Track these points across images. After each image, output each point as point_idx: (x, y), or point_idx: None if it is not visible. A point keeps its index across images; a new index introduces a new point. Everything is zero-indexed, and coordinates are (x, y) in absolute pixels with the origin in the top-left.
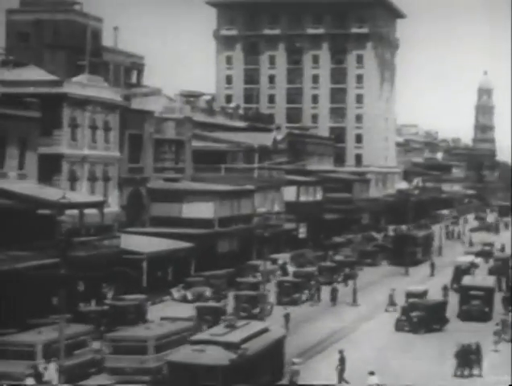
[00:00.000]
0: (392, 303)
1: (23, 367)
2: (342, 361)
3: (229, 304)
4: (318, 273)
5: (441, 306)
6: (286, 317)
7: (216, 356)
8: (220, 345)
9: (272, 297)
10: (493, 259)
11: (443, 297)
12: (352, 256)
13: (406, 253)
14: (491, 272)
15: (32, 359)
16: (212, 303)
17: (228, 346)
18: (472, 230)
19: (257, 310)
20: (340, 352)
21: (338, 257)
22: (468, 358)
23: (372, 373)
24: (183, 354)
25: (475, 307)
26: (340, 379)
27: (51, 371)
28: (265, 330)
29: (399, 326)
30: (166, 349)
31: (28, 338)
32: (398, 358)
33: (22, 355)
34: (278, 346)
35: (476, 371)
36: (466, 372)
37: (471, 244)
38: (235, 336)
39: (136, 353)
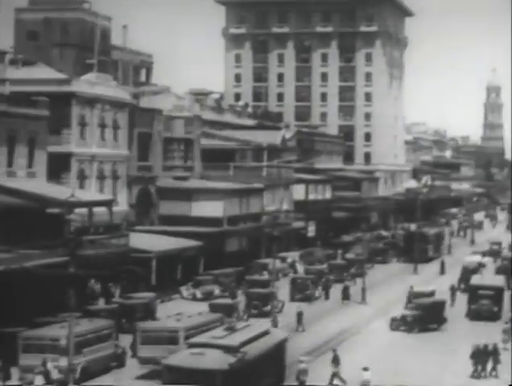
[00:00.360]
0: (410, 301)
1: (47, 360)
2: (336, 360)
3: (239, 302)
4: (328, 270)
5: (439, 306)
6: (299, 315)
7: (214, 360)
8: (219, 348)
9: (285, 295)
10: (500, 258)
11: (451, 297)
12: (362, 254)
13: (416, 251)
14: (498, 271)
15: (56, 353)
16: (225, 300)
17: (227, 349)
18: (460, 228)
19: (268, 308)
20: (334, 351)
21: (349, 255)
22: (485, 359)
23: (366, 369)
24: (181, 357)
25: (484, 307)
26: (333, 378)
27: (51, 370)
28: (266, 333)
29: (394, 326)
30: None
31: (52, 332)
32: (404, 357)
33: (46, 349)
34: (279, 349)
35: (493, 372)
36: (483, 373)
37: (473, 241)
38: (235, 339)
39: (167, 343)
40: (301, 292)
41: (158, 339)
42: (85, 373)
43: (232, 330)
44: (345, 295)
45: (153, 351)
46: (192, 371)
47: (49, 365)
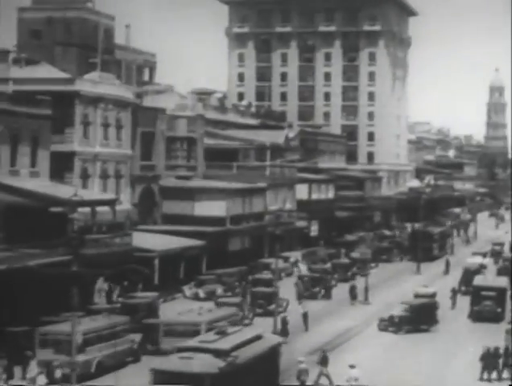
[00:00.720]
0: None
1: (63, 356)
2: (324, 361)
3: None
4: (332, 270)
5: (429, 307)
6: (305, 316)
7: (204, 364)
8: (209, 352)
9: (288, 294)
10: (501, 259)
11: (452, 299)
12: (367, 253)
13: (421, 250)
14: (500, 272)
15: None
16: (231, 299)
17: (217, 353)
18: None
19: (272, 307)
20: (323, 352)
21: (355, 254)
22: (495, 361)
23: (352, 366)
24: (169, 361)
25: (487, 308)
26: (319, 377)
27: (32, 368)
28: (258, 337)
29: (382, 326)
30: None
31: (68, 327)
32: (404, 359)
33: (63, 344)
34: (272, 354)
35: (504, 375)
36: (493, 376)
37: (468, 241)
38: (225, 343)
39: (189, 336)
40: (308, 290)
41: (180, 332)
42: (101, 368)
43: (223, 334)
44: (353, 295)
45: (176, 343)
46: (181, 375)
47: (53, 364)
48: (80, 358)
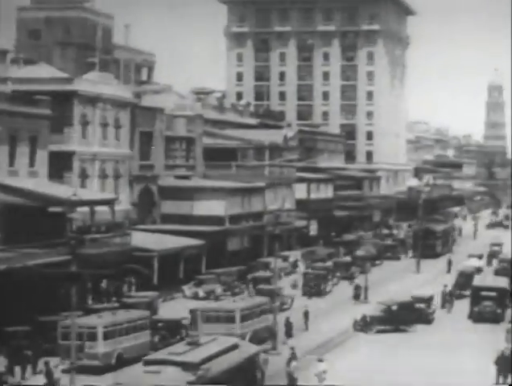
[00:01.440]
0: (445, 300)
1: (86, 348)
2: (293, 358)
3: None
4: (334, 268)
5: (407, 307)
6: (306, 314)
7: (171, 378)
8: (177, 365)
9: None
10: (497, 260)
11: (449, 303)
12: (372, 251)
13: (423, 247)
14: (497, 273)
15: (94, 341)
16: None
17: (186, 366)
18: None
19: (277, 304)
20: (292, 349)
21: (359, 253)
22: (510, 364)
23: (320, 360)
24: (133, 376)
25: (487, 308)
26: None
27: None
28: (234, 347)
29: (357, 327)
30: (249, 319)
31: (90, 321)
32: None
33: (84, 337)
34: (249, 365)
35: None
36: (504, 380)
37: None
38: (195, 355)
39: (225, 322)
40: (313, 287)
41: (217, 318)
42: (121, 360)
43: (194, 344)
44: (356, 294)
45: (213, 328)
46: None
47: (52, 364)
48: (101, 350)
